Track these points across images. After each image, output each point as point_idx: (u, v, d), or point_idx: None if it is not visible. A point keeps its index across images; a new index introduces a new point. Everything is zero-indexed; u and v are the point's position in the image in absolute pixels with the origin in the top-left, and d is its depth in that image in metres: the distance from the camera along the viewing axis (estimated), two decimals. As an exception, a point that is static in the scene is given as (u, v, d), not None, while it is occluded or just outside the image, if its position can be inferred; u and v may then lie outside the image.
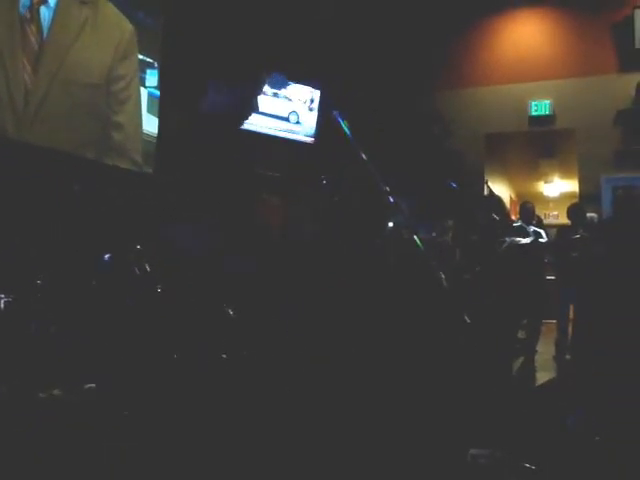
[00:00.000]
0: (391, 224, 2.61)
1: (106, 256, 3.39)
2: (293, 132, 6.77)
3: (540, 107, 8.30)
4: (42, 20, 4.54)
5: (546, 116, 8.28)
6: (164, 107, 5.34)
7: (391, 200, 2.29)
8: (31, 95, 4.43)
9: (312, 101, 6.81)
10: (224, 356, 2.34)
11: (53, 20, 4.61)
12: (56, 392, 2.88)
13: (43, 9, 4.54)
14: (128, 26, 5.29)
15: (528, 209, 6.70)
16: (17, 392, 2.83)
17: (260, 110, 2.63)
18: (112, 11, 5.15)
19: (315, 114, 6.85)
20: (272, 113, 6.55)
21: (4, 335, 3.07)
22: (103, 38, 5.04)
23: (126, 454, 2.32)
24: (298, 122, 6.78)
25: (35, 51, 4.47)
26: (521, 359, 5.69)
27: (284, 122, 6.65)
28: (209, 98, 2.44)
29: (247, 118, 2.54)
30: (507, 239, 5.26)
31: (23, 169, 3.97)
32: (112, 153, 5.10)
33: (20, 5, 4.37)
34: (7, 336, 3.08)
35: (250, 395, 2.36)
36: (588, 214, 6.61)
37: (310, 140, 6.77)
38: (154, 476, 2.20)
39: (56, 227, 3.64)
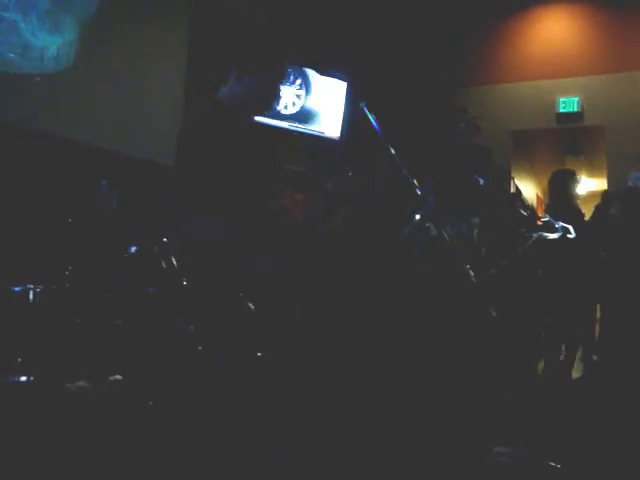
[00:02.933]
0: (418, 217, 2.60)
1: (132, 248, 3.42)
2: (317, 126, 6.72)
3: (568, 104, 8.19)
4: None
5: (574, 113, 8.17)
6: (189, 100, 5.37)
7: (418, 193, 2.28)
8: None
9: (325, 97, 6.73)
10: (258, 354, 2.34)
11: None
12: (82, 383, 2.92)
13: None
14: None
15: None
16: (44, 383, 2.87)
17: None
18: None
19: (338, 108, 6.79)
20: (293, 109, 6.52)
21: (32, 325, 3.11)
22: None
23: (148, 443, 2.34)
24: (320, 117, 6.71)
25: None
26: (547, 357, 5.62)
27: (306, 117, 6.60)
28: (230, 88, 2.44)
29: (269, 108, 2.54)
30: (534, 234, 5.19)
31: (53, 163, 4.02)
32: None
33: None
34: (35, 326, 3.12)
35: (274, 388, 2.37)
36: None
37: (336, 135, 6.73)
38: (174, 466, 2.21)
39: (84, 219, 3.69)
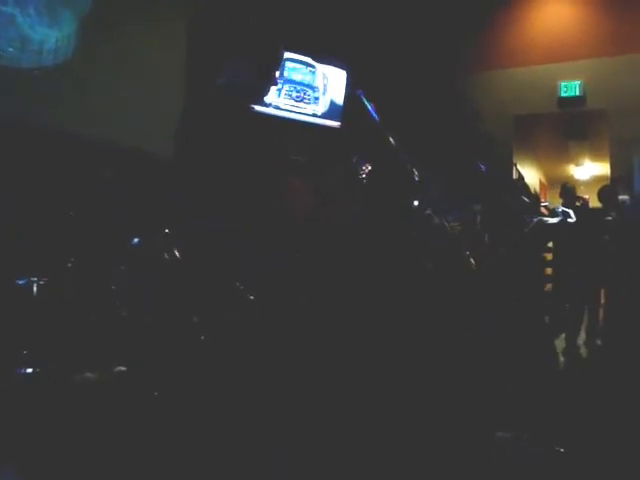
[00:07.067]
0: (416, 203, 2.60)
1: (135, 240, 3.42)
2: (317, 115, 6.67)
3: (570, 88, 8.13)
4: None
5: (576, 97, 8.11)
6: (189, 89, 5.35)
7: (416, 179, 2.28)
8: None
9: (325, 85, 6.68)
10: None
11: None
12: (88, 374, 2.94)
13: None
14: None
15: (569, 190, 6.69)
16: (51, 374, 2.89)
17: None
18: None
19: (338, 97, 6.75)
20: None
21: (37, 318, 3.13)
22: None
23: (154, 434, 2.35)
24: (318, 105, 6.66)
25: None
26: (553, 342, 5.63)
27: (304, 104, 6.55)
28: (227, 75, 2.43)
29: (266, 93, 2.53)
30: (534, 219, 5.18)
31: (55, 156, 4.03)
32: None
33: None
34: (40, 319, 3.14)
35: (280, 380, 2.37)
36: (620, 197, 6.50)
37: (336, 124, 6.70)
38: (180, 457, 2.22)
39: (87, 212, 3.70)
